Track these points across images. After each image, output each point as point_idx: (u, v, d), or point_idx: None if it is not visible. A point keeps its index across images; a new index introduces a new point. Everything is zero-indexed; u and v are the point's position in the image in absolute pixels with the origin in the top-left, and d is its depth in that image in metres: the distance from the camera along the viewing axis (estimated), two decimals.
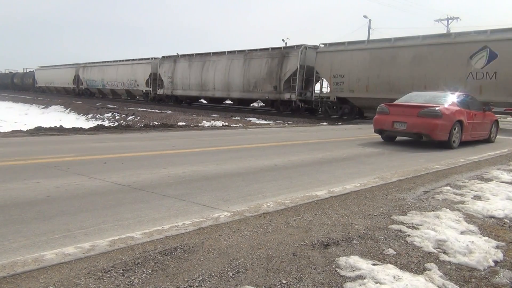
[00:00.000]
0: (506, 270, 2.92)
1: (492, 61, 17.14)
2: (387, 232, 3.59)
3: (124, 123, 22.92)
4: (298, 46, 24.36)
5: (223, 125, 17.95)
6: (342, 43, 22.97)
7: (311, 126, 17.93)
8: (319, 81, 24.68)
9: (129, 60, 39.15)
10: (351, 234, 3.48)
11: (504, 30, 17.50)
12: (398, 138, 11.30)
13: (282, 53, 25.10)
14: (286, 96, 24.58)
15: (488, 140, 12.13)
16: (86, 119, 29.13)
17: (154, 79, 35.16)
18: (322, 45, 23.77)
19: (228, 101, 33.00)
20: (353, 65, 22.01)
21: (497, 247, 3.34)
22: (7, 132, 10.98)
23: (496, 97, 16.87)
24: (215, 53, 29.94)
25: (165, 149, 8.45)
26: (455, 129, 10.10)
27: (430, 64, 18.95)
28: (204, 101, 34.74)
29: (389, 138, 11.15)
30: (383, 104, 11.31)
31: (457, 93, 11.49)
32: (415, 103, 10.69)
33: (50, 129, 12.10)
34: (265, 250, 3.03)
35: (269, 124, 19.73)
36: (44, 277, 2.48)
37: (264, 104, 30.76)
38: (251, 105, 33.12)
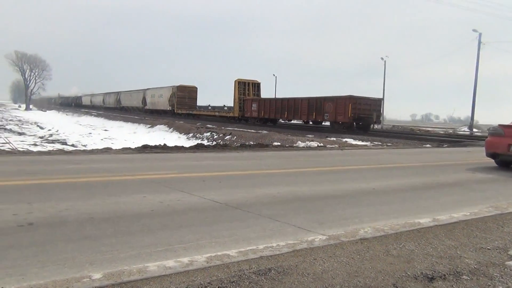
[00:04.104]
0: None
1: None
2: (504, 269, 3.18)
3: (221, 142, 23.89)
4: (170, 87, 50.43)
5: (318, 145, 17.78)
6: None
7: (412, 149, 16.97)
8: None
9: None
10: (460, 268, 3.15)
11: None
12: None
13: (167, 88, 50.65)
14: (169, 108, 49.82)
15: None
16: (187, 138, 30.90)
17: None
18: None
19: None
20: None
21: None
22: (119, 149, 12.13)
23: None
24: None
25: (260, 169, 8.57)
26: None
27: None
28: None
29: (504, 163, 10.03)
30: (497, 125, 10.28)
31: None
32: None
33: (155, 147, 13.01)
34: (363, 279, 2.87)
35: (366, 145, 19.10)
36: None
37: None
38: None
